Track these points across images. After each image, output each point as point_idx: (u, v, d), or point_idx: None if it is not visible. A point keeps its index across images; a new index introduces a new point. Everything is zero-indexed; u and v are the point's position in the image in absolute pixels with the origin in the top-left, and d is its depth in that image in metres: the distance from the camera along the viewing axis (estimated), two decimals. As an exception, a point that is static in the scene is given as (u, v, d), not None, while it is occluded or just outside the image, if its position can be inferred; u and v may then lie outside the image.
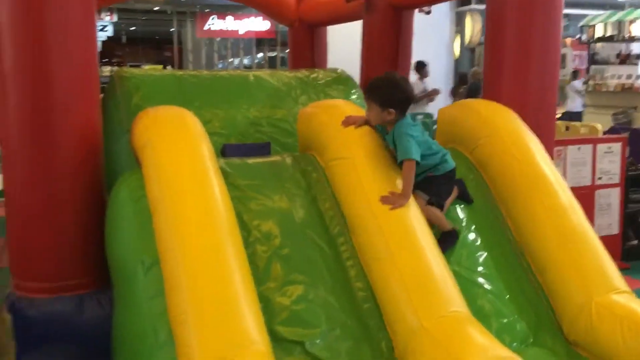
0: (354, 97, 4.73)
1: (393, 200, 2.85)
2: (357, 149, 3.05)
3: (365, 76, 5.46)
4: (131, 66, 14.42)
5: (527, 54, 3.86)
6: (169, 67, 19.28)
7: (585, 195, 4.98)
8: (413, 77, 8.06)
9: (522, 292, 3.07)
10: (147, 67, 19.01)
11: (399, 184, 2.93)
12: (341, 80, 4.95)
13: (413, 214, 2.87)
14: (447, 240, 3.10)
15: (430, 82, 9.29)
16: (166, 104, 4.08)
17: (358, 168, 2.99)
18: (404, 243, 2.75)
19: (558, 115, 9.10)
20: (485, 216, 3.33)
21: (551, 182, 3.21)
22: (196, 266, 2.43)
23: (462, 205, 3.33)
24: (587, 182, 5.29)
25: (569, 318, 2.89)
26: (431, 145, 3.14)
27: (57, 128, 3.02)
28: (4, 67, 2.97)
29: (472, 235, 3.24)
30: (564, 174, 5.29)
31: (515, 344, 2.84)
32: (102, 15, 15.80)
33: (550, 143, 3.94)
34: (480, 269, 3.11)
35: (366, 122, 3.15)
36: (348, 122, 3.15)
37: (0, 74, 2.99)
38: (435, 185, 3.13)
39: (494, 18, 4.02)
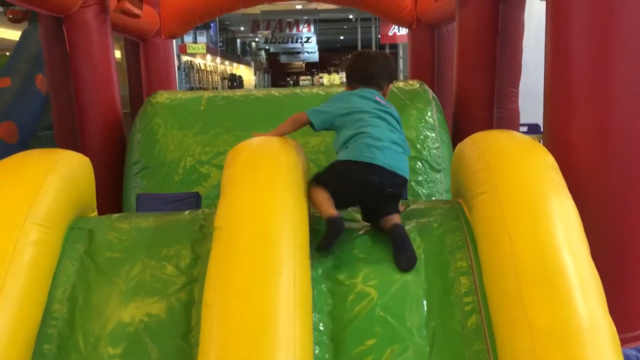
0: (428, 116, 3.89)
1: None
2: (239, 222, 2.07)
3: (459, 85, 4.20)
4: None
5: (606, 64, 2.41)
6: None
7: None
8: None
9: None
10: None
11: None
12: (418, 95, 3.97)
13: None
14: (330, 230, 2.27)
15: None
16: (181, 129, 3.82)
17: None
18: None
19: None
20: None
21: (561, 290, 1.84)
22: None
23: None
24: None
25: None
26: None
27: None
28: None
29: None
30: None
31: None
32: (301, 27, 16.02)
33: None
34: None
35: None
36: None
37: None
38: (330, 167, 2.46)
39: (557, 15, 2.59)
